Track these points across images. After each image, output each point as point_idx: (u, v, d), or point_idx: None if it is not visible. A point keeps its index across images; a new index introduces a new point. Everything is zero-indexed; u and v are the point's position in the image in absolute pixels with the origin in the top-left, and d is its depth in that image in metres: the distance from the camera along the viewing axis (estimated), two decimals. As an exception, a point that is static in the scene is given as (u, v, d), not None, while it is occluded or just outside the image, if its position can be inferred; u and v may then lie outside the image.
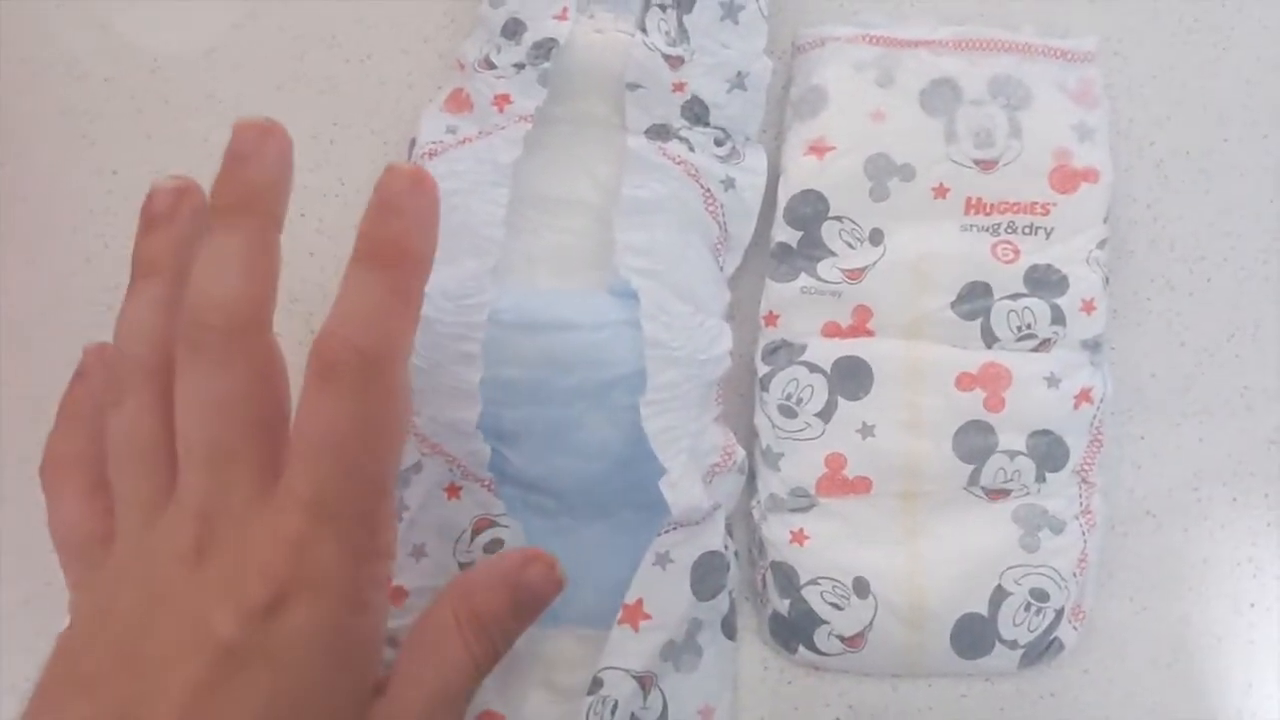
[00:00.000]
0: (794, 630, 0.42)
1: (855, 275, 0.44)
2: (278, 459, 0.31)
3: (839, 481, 0.42)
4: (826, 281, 0.44)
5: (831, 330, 0.44)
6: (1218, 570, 0.45)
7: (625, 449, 0.40)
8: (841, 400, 0.43)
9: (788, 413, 0.43)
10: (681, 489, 0.39)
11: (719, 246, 0.44)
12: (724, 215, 0.44)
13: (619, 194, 0.42)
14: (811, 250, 0.44)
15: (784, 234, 0.44)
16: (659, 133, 0.44)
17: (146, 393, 0.32)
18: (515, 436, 0.41)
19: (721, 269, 0.44)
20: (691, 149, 0.44)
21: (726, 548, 0.42)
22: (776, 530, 0.42)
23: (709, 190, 0.44)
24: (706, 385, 0.42)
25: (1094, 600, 0.43)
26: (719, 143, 0.45)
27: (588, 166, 0.44)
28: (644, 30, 0.44)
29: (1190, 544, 0.45)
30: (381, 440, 0.31)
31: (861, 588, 0.41)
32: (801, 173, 0.45)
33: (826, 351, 0.43)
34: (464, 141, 0.44)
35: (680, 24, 0.44)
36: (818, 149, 0.45)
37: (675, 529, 0.40)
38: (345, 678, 0.31)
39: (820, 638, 0.42)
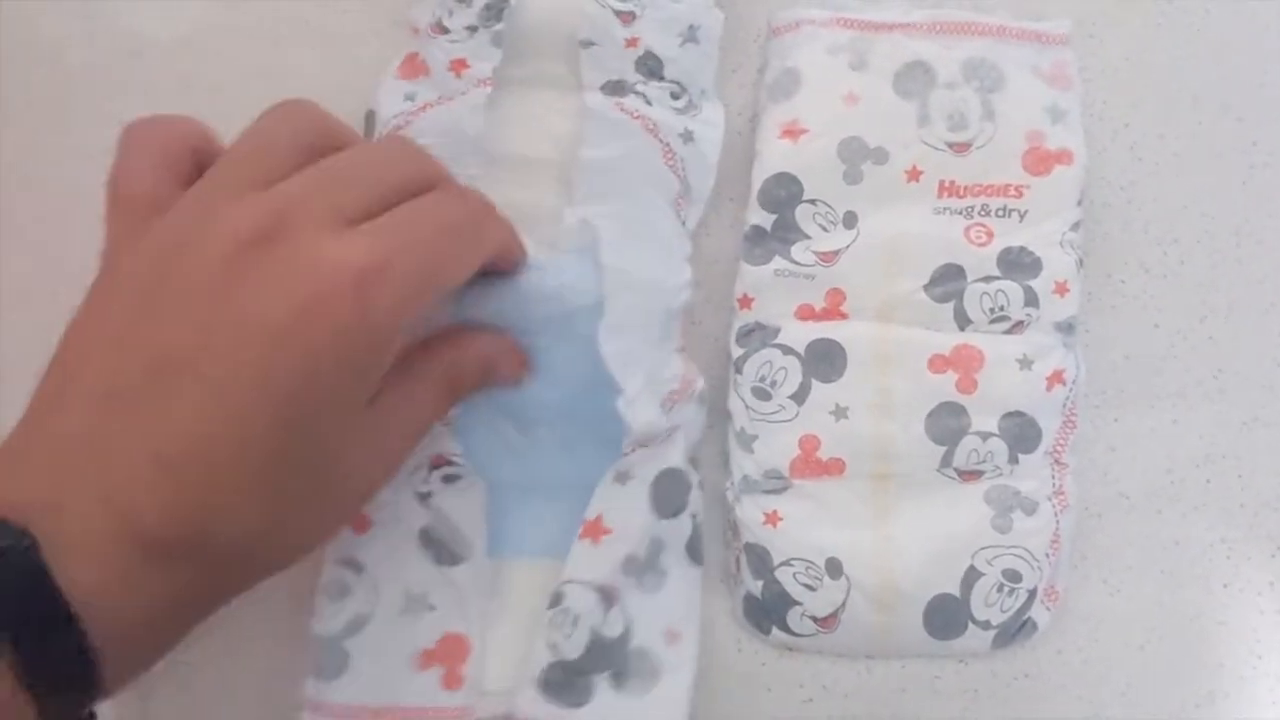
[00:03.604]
0: (767, 611, 0.42)
1: (829, 258, 0.44)
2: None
3: (812, 463, 0.42)
4: (800, 264, 0.44)
5: (805, 313, 0.44)
6: (1191, 551, 0.45)
7: (589, 376, 0.40)
8: (815, 382, 0.43)
9: (762, 395, 0.43)
10: (638, 408, 0.40)
11: (680, 201, 0.44)
12: (684, 169, 0.44)
13: (577, 154, 0.43)
14: (785, 233, 0.44)
15: (758, 216, 0.45)
16: (615, 89, 0.44)
17: (298, 130, 0.35)
18: None
19: (684, 223, 0.45)
20: (649, 103, 0.44)
21: (688, 471, 0.42)
22: (750, 512, 0.42)
23: (668, 144, 0.44)
24: (666, 314, 0.42)
25: (1067, 582, 0.43)
26: (675, 96, 0.45)
27: (546, 125, 0.45)
28: None
29: (1164, 525, 0.45)
30: (464, 245, 0.36)
31: (834, 569, 0.41)
32: (775, 155, 0.45)
33: (800, 334, 0.43)
34: (424, 108, 0.44)
35: None
36: (791, 132, 0.45)
37: (635, 450, 0.40)
38: (351, 394, 0.33)
39: (793, 619, 0.42)
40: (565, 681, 0.39)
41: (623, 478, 0.40)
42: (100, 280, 0.34)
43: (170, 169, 0.35)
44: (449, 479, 0.41)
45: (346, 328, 0.31)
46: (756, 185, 0.45)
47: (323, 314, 0.31)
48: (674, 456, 0.41)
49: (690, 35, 0.45)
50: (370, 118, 0.45)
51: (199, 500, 0.31)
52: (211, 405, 0.31)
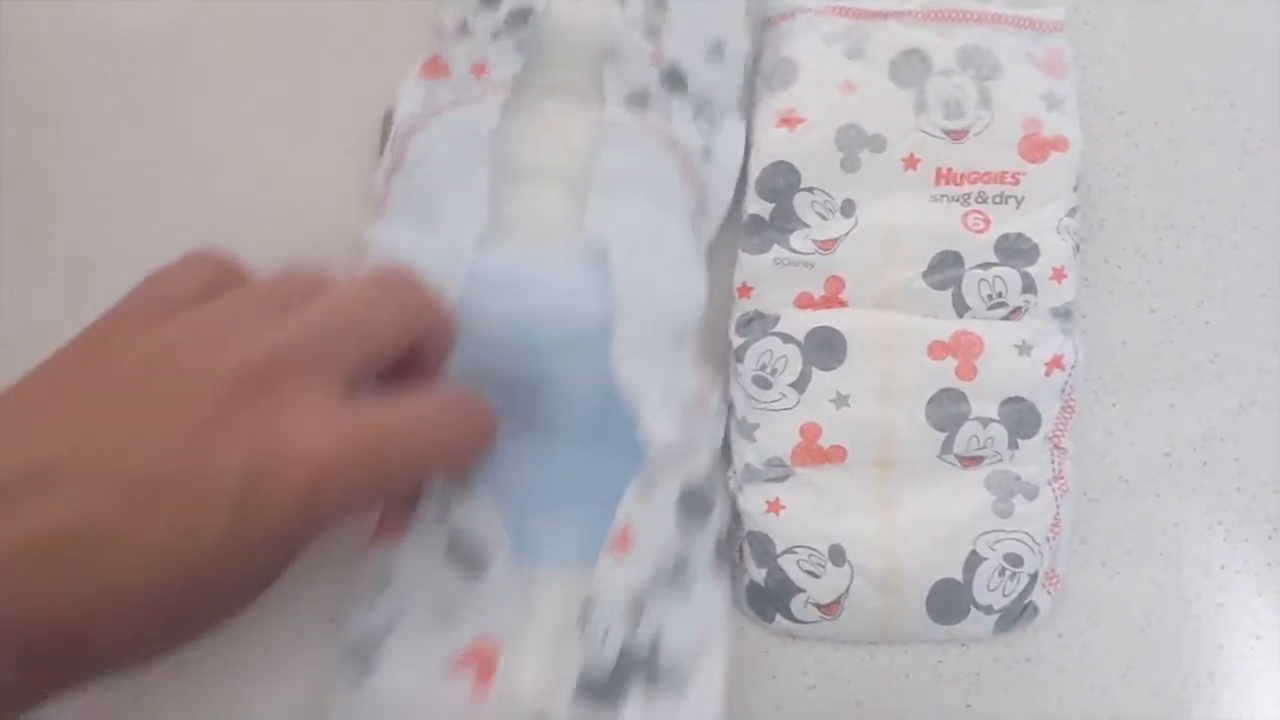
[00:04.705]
0: (771, 599, 0.42)
1: (827, 246, 0.44)
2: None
3: (814, 451, 0.43)
4: (799, 253, 0.44)
5: (805, 301, 0.44)
6: (1188, 534, 0.45)
7: (604, 393, 0.40)
8: (815, 370, 0.43)
9: (762, 384, 0.43)
10: (657, 431, 0.40)
11: (696, 217, 0.44)
12: (702, 186, 0.44)
13: (595, 164, 0.42)
14: (784, 222, 0.44)
15: (756, 206, 0.45)
16: (637, 101, 0.44)
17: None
18: (499, 385, 0.41)
19: (699, 239, 0.44)
20: (669, 118, 0.44)
21: (711, 483, 0.42)
22: (752, 500, 0.43)
23: (687, 160, 0.44)
24: (678, 332, 0.42)
25: (1067, 566, 0.44)
26: (697, 112, 0.45)
27: (564, 135, 0.44)
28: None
29: (1162, 509, 0.45)
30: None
31: (837, 555, 0.42)
32: (773, 144, 0.45)
33: (800, 322, 0.44)
34: (440, 110, 0.44)
35: None
36: (789, 120, 0.45)
37: (657, 465, 0.40)
38: (267, 565, 0.33)
39: (797, 606, 0.42)
40: (596, 694, 0.39)
41: (647, 492, 0.40)
42: (88, 349, 0.33)
43: (203, 294, 0.35)
44: (467, 491, 0.41)
45: (281, 515, 0.31)
46: (754, 174, 0.45)
47: (267, 491, 0.30)
48: (697, 469, 0.41)
49: (716, 51, 0.45)
50: (388, 118, 0.45)
51: (77, 599, 0.30)
52: (128, 521, 0.30)
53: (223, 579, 0.32)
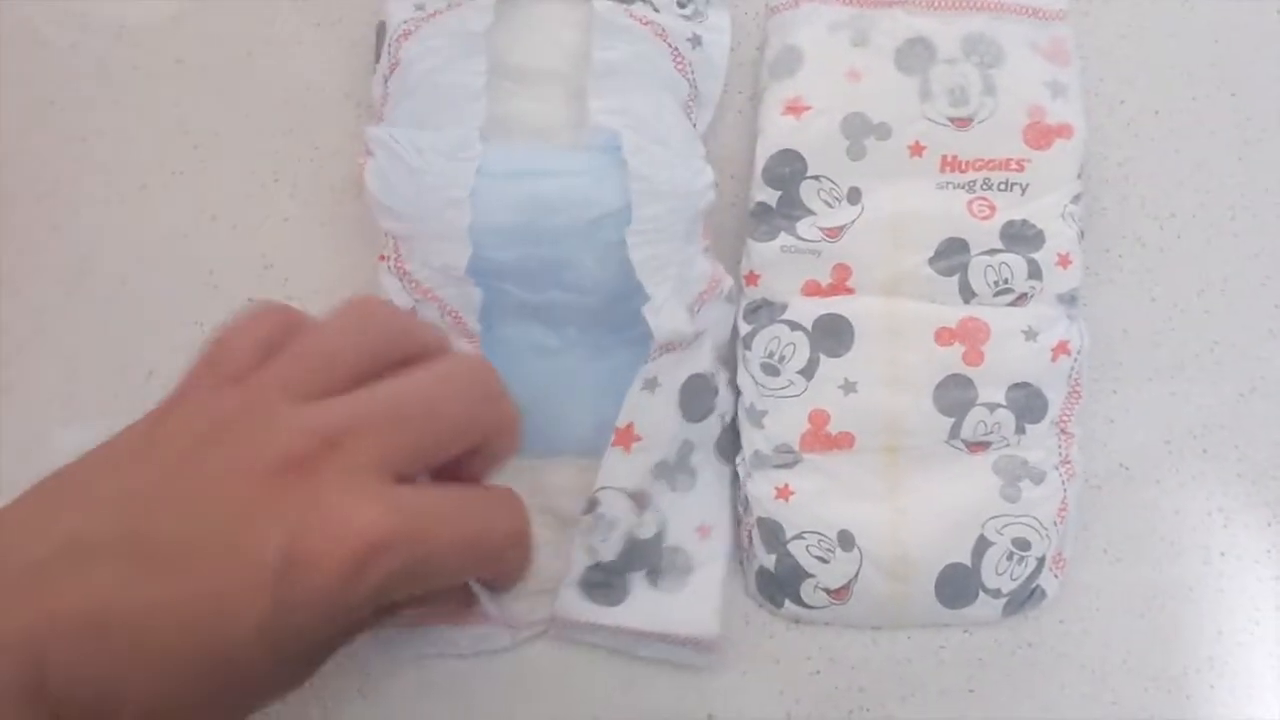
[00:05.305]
0: (781, 585, 0.42)
1: (834, 234, 0.44)
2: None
3: (822, 437, 0.43)
4: (806, 240, 0.44)
5: (812, 289, 0.44)
6: (1189, 521, 0.45)
7: (616, 283, 0.42)
8: (823, 357, 0.43)
9: (770, 371, 0.43)
10: (665, 314, 0.41)
11: (690, 104, 0.45)
12: (693, 73, 0.45)
13: (589, 57, 0.43)
14: (790, 210, 0.44)
15: (763, 194, 0.45)
16: None
17: (366, 339, 0.35)
18: (511, 273, 0.42)
19: (694, 125, 0.45)
20: (656, 9, 0.45)
21: (715, 373, 0.43)
22: (761, 486, 0.43)
23: (677, 49, 0.45)
24: (691, 218, 0.43)
25: (1070, 552, 0.44)
26: (681, 4, 0.46)
27: (554, 35, 0.45)
28: None
29: (1162, 496, 0.46)
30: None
31: (846, 541, 0.42)
32: (779, 132, 0.45)
33: (807, 310, 0.44)
34: (432, 15, 0.44)
35: None
36: (795, 108, 0.45)
37: (662, 355, 0.41)
38: (301, 650, 0.32)
39: (806, 591, 0.42)
40: (603, 582, 0.41)
41: (651, 385, 0.41)
42: (148, 424, 0.33)
43: (263, 352, 0.35)
44: None
45: (322, 595, 0.30)
46: (760, 162, 0.45)
47: (307, 570, 0.30)
48: (701, 361, 0.42)
49: None
50: (380, 29, 0.45)
51: (117, 671, 0.29)
52: (169, 596, 0.29)
53: (258, 663, 0.31)
